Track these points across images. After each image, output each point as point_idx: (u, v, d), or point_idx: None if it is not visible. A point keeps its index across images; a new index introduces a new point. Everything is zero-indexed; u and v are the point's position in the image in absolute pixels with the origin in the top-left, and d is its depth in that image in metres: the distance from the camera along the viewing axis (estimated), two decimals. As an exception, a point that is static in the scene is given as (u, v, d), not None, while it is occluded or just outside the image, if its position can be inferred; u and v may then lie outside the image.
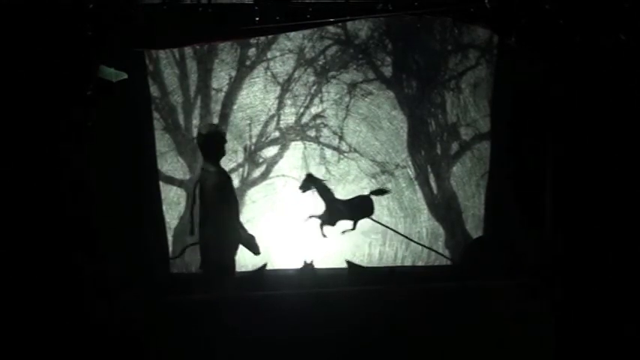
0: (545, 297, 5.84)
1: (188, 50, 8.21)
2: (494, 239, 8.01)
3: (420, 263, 8.34)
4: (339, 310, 5.69)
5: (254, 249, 6.53)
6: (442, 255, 8.26)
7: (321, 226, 7.86)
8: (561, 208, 6.58)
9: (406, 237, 8.23)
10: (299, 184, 7.94)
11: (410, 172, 8.52)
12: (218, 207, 6.31)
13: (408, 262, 8.37)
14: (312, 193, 8.00)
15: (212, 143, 6.42)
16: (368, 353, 5.59)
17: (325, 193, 7.87)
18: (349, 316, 5.64)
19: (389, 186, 8.36)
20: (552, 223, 6.63)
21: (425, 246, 8.26)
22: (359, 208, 7.99)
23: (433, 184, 8.52)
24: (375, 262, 8.28)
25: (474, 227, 8.42)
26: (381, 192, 8.13)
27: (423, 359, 5.66)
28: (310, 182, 7.87)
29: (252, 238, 6.52)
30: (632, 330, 5.85)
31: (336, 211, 7.86)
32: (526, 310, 5.75)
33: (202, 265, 6.43)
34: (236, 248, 6.44)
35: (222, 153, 6.50)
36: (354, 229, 7.99)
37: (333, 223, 7.89)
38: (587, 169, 6.49)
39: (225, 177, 6.46)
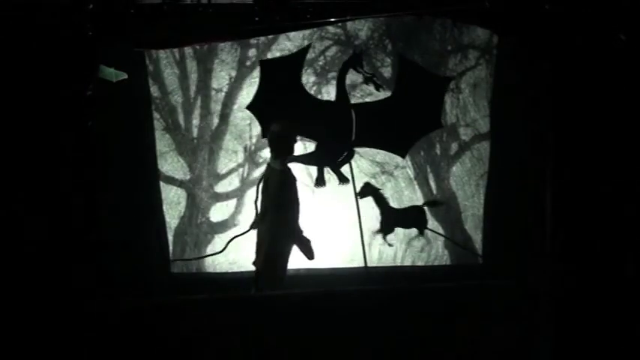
0: (545, 297, 5.85)
1: (188, 50, 8.21)
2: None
3: (419, 263, 8.34)
4: (339, 310, 5.69)
5: (309, 253, 6.54)
6: (477, 255, 8.26)
7: (382, 234, 7.92)
8: (561, 208, 6.59)
9: (448, 238, 8.26)
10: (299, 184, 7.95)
11: (409, 172, 8.51)
12: (278, 205, 6.36)
13: (407, 262, 8.36)
14: (312, 193, 8.02)
15: (283, 141, 6.48)
16: (368, 353, 5.59)
17: (380, 201, 7.91)
18: (349, 316, 5.64)
19: (388, 186, 8.36)
20: (552, 222, 6.63)
21: (461, 246, 8.27)
22: (412, 219, 7.99)
23: (433, 184, 8.51)
24: (374, 262, 8.28)
25: (473, 227, 8.41)
26: (433, 204, 8.15)
27: (423, 359, 5.66)
28: (367, 190, 7.93)
29: (308, 242, 6.54)
30: (632, 329, 5.86)
31: (392, 219, 7.86)
32: (526, 311, 5.75)
33: (254, 262, 6.44)
34: (290, 248, 6.46)
35: (291, 152, 6.57)
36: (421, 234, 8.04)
37: (389, 231, 7.93)
38: (588, 169, 6.49)
39: (290, 177, 6.51)
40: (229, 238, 7.89)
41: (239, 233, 7.60)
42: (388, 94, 7.93)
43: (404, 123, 7.77)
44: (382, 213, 7.96)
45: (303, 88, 7.64)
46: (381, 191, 7.99)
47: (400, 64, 7.88)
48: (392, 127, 7.77)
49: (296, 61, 7.76)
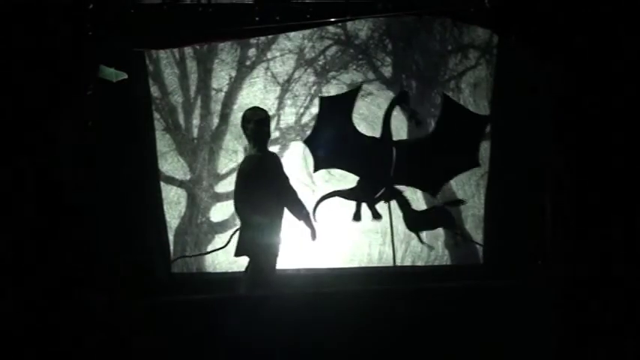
0: (545, 296, 5.85)
1: (188, 50, 8.22)
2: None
3: (419, 263, 8.34)
4: (339, 310, 5.69)
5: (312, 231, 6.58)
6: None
7: (417, 238, 7.86)
8: (561, 208, 6.58)
9: (474, 241, 8.25)
10: (298, 184, 7.95)
11: (409, 172, 8.51)
12: (284, 186, 6.45)
13: (407, 262, 8.36)
14: (312, 192, 8.02)
15: (262, 126, 6.50)
16: (368, 353, 5.59)
17: (404, 205, 7.88)
18: (349, 317, 5.64)
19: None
20: (552, 222, 6.62)
21: (478, 243, 8.26)
22: (437, 219, 7.92)
23: (433, 184, 8.52)
24: (374, 262, 8.28)
25: (473, 227, 8.42)
26: (455, 203, 8.10)
27: (423, 359, 5.66)
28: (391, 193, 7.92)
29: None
30: (632, 329, 5.85)
31: (416, 222, 7.84)
32: (526, 310, 5.75)
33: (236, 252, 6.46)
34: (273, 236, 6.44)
35: (269, 134, 6.65)
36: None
37: (417, 233, 7.87)
38: (588, 169, 6.48)
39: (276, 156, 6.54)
40: (232, 233, 7.86)
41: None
42: (428, 131, 7.86)
43: (441, 162, 7.67)
44: (405, 217, 7.86)
45: (353, 124, 7.56)
46: (404, 194, 7.91)
47: (444, 104, 7.76)
48: (429, 166, 7.69)
49: (349, 98, 7.70)
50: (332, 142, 7.45)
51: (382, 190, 7.60)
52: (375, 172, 7.55)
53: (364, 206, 7.62)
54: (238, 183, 6.45)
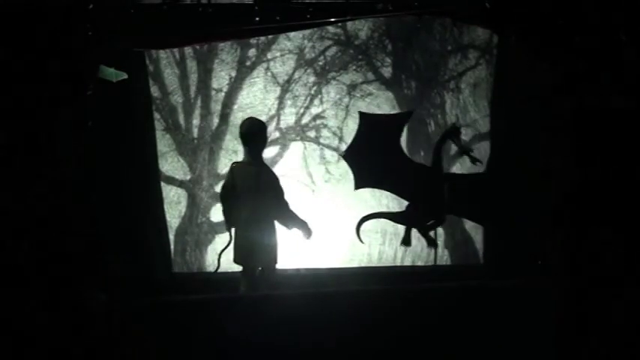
0: (545, 297, 5.85)
1: (188, 50, 8.22)
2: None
3: (419, 263, 8.34)
4: (339, 310, 5.69)
5: (307, 232, 6.44)
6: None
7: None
8: (561, 208, 6.59)
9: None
10: (299, 184, 7.97)
11: (409, 173, 8.52)
12: (276, 196, 6.30)
13: (407, 262, 8.36)
14: (312, 193, 8.02)
15: (260, 136, 6.35)
16: (368, 353, 5.59)
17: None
18: (349, 317, 5.64)
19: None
20: (552, 222, 6.63)
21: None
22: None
23: (433, 184, 8.52)
24: (374, 262, 8.28)
25: (473, 227, 8.42)
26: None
27: (422, 359, 5.66)
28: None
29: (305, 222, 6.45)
30: (632, 329, 5.86)
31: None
32: (526, 310, 5.75)
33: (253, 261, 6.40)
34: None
35: (265, 144, 6.48)
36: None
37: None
38: (588, 169, 6.49)
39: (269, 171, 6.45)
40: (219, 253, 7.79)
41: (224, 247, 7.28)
42: (481, 169, 7.84)
43: (492, 198, 7.68)
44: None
45: (401, 147, 7.55)
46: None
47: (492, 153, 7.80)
48: (480, 201, 7.70)
49: (398, 121, 7.70)
50: (376, 161, 7.46)
51: (434, 220, 7.60)
52: (426, 201, 7.55)
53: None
54: (222, 194, 6.41)
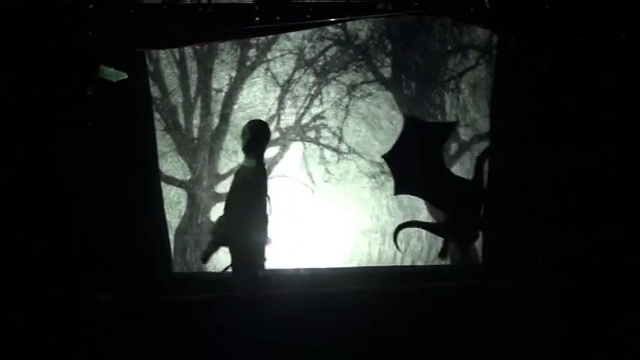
0: (545, 296, 5.85)
1: (188, 50, 8.22)
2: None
3: (419, 263, 8.35)
4: (339, 310, 5.69)
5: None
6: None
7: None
8: (561, 208, 6.59)
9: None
10: (299, 184, 7.97)
11: (409, 172, 8.52)
12: (259, 198, 6.17)
13: (407, 262, 8.37)
14: (312, 193, 8.02)
15: (261, 139, 6.26)
16: (368, 353, 5.60)
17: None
18: (349, 317, 5.64)
19: (388, 185, 8.37)
20: (552, 222, 6.63)
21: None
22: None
23: (433, 184, 8.53)
24: (374, 262, 8.29)
25: (473, 227, 8.42)
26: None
27: (422, 359, 5.66)
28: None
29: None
30: (632, 329, 5.86)
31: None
32: (526, 310, 5.75)
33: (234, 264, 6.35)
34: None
35: (265, 148, 6.38)
36: None
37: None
38: (587, 169, 6.49)
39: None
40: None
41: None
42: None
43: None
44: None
45: (442, 157, 7.51)
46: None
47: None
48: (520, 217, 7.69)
49: (443, 130, 7.68)
50: (417, 169, 7.36)
51: (472, 234, 7.59)
52: (466, 215, 7.50)
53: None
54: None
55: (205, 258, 6.44)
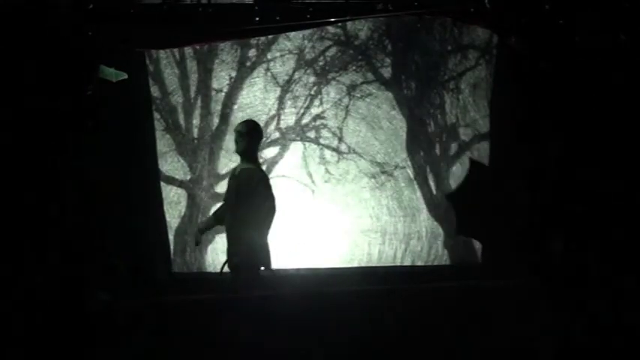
0: (545, 297, 5.85)
1: (188, 50, 8.22)
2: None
3: (419, 263, 8.35)
4: (339, 310, 5.69)
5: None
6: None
7: None
8: (561, 208, 6.59)
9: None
10: (299, 184, 7.97)
11: (409, 172, 8.53)
12: (261, 200, 6.19)
13: (407, 262, 8.37)
14: (312, 193, 8.03)
15: (255, 140, 6.26)
16: (367, 353, 5.59)
17: None
18: (349, 317, 5.64)
19: (388, 185, 8.37)
20: (551, 222, 6.63)
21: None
22: None
23: (432, 184, 8.53)
24: (374, 262, 8.28)
25: (473, 227, 8.42)
26: None
27: (422, 359, 5.66)
28: None
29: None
30: (631, 329, 5.86)
31: None
32: (526, 310, 5.75)
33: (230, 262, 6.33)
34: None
35: (258, 148, 6.39)
36: None
37: None
38: (587, 169, 6.49)
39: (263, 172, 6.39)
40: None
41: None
42: None
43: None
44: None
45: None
46: None
47: None
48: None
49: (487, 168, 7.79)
50: (475, 213, 7.52)
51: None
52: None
53: None
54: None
55: (202, 230, 6.49)
